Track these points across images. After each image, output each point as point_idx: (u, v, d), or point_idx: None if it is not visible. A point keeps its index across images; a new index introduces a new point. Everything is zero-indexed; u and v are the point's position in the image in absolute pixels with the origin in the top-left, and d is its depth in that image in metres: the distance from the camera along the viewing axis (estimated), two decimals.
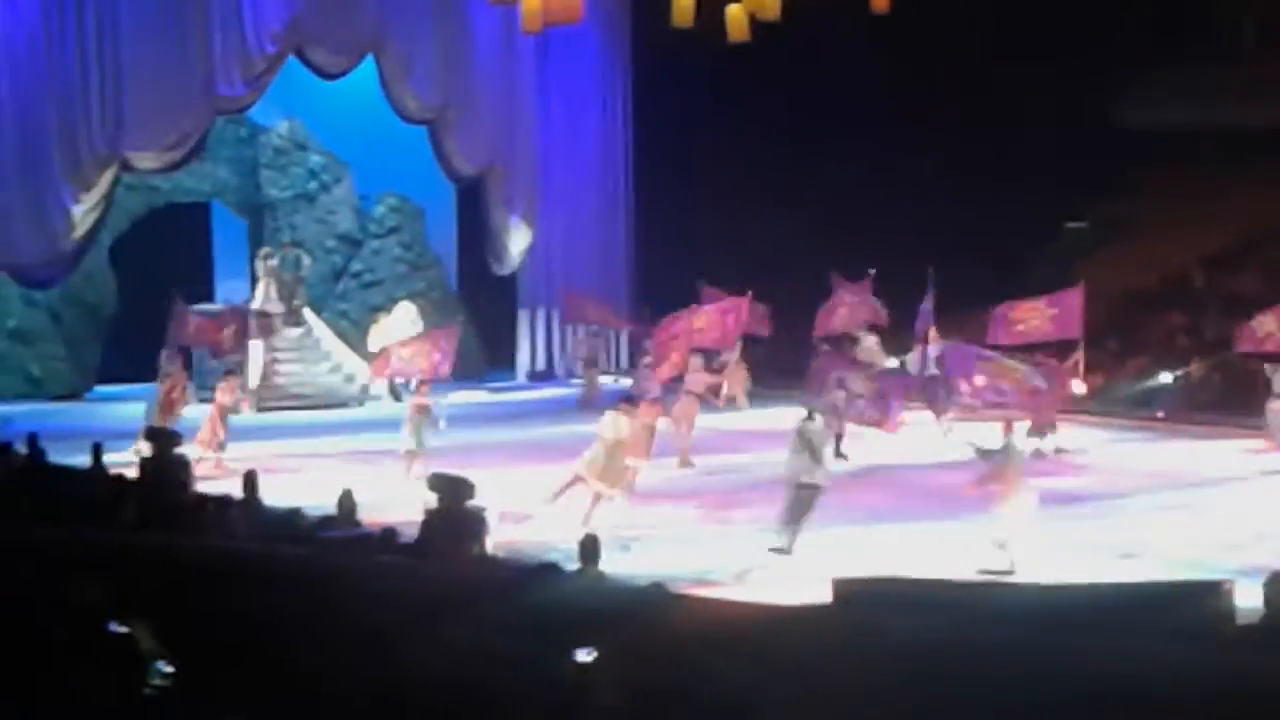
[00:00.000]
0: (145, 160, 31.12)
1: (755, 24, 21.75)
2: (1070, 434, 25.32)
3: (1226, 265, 33.05)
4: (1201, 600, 7.96)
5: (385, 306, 33.44)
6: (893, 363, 27.40)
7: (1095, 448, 25.45)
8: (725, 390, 27.75)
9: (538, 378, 36.20)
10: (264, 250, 33.39)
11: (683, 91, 34.92)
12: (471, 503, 13.36)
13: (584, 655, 6.65)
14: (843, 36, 30.57)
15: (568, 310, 34.35)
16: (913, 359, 26.28)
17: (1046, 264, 34.33)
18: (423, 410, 22.56)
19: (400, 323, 32.27)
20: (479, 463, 20.36)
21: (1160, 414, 27.62)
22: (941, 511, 19.53)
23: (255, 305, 32.17)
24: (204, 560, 8.61)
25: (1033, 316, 25.82)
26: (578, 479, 19.24)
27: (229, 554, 9.41)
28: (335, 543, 12.53)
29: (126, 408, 27.20)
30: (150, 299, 28.40)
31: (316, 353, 32.68)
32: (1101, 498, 20.84)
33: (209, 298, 33.99)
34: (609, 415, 19.81)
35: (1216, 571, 14.64)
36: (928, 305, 25.72)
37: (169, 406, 24.07)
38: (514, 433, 27.04)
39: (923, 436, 24.75)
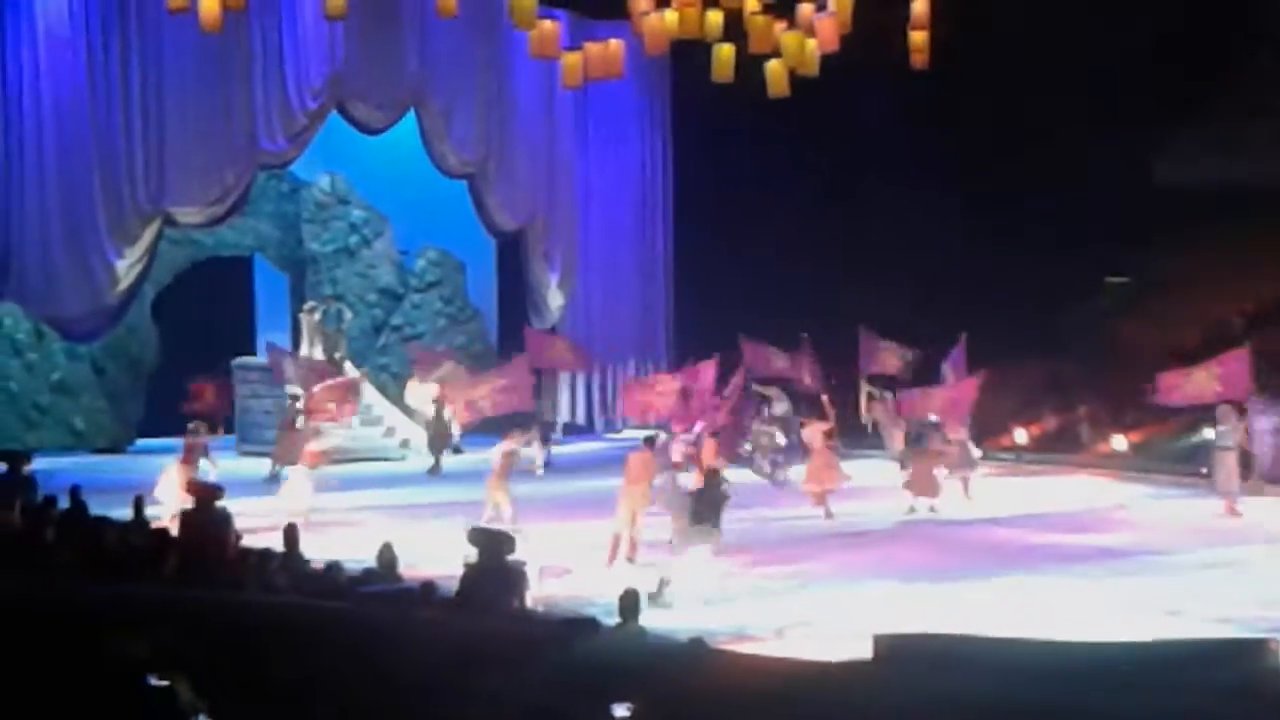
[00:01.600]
0: (188, 215, 31.31)
1: (794, 79, 21.79)
2: (1113, 490, 25.20)
3: (1269, 319, 32.83)
4: (1247, 658, 7.89)
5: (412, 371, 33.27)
6: None
7: (1138, 504, 25.30)
8: None
9: (575, 432, 36.11)
10: (307, 304, 33.51)
11: (722, 146, 35.00)
12: (511, 557, 13.34)
13: (621, 710, 6.62)
14: (882, 92, 30.60)
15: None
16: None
17: (1084, 320, 34.23)
18: (510, 457, 22.26)
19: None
20: (519, 517, 20.43)
21: (1203, 470, 27.40)
22: (983, 567, 19.46)
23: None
24: (245, 615, 8.62)
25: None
26: None
27: (270, 609, 9.41)
28: (375, 598, 12.53)
29: (169, 461, 27.27)
30: (193, 353, 28.46)
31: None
32: (1144, 554, 20.70)
33: (251, 351, 34.11)
34: None
35: (1261, 629, 14.53)
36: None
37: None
38: (554, 487, 27.00)
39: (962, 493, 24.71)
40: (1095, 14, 34.23)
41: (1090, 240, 34.21)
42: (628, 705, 6.62)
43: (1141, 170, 35.24)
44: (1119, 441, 27.12)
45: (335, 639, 7.75)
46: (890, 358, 30.45)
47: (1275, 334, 32.28)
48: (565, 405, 36.46)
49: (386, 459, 31.35)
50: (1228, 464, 24.12)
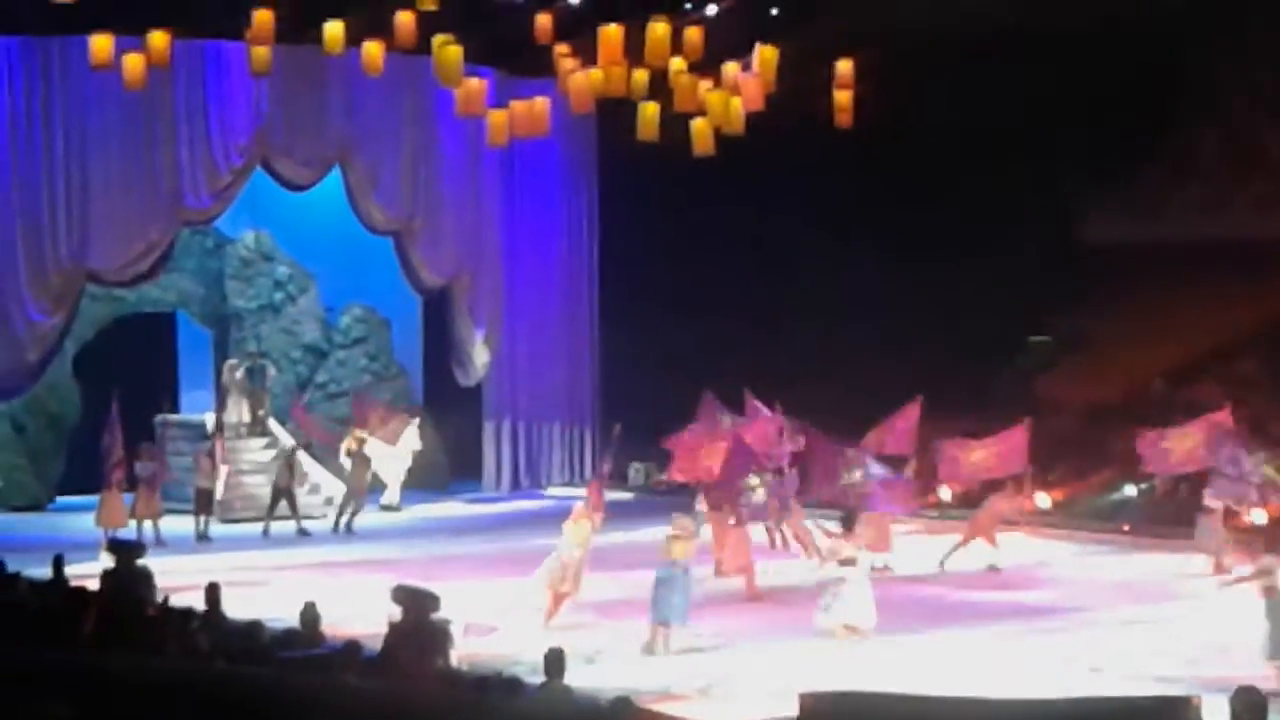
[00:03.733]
0: (111, 272, 31.07)
1: (720, 138, 21.93)
2: (1035, 547, 25.35)
3: (1188, 377, 33.21)
4: (1169, 715, 7.94)
5: (350, 417, 33.12)
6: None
7: (1061, 561, 25.44)
8: None
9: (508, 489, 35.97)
10: (230, 361, 33.25)
11: (648, 204, 35.08)
12: (436, 615, 13.29)
13: None
14: (807, 151, 30.81)
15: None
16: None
17: (1009, 378, 34.47)
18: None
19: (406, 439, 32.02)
20: (443, 575, 20.33)
21: (1125, 527, 27.65)
22: (908, 624, 19.51)
23: (227, 417, 32.11)
24: (166, 681, 8.53)
25: (979, 454, 25.82)
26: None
27: (191, 675, 9.32)
28: (298, 663, 12.43)
29: (89, 519, 27.05)
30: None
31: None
32: (1067, 611, 20.82)
33: (174, 408, 33.81)
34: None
35: (1183, 686, 14.63)
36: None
37: None
38: (479, 545, 26.94)
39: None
40: (1020, 76, 34.54)
41: (1017, 299, 34.47)
42: None
43: (1067, 231, 35.62)
44: (1041, 499, 27.25)
45: (257, 706, 7.69)
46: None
47: (1194, 390, 32.70)
48: (492, 462, 36.28)
49: (310, 516, 31.12)
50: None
